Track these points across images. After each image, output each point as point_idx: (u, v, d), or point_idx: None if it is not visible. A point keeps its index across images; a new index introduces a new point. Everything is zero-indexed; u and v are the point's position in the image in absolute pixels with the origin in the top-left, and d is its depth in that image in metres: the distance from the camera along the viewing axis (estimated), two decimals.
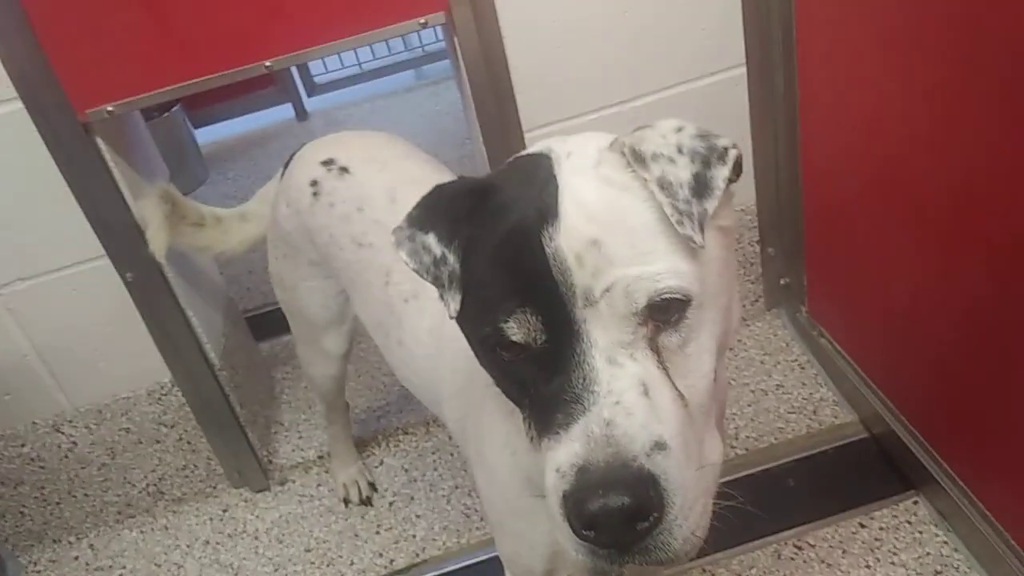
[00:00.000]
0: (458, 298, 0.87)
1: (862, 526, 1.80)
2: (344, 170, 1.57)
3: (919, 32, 1.47)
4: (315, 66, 4.63)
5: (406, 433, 2.34)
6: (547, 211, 0.81)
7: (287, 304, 1.83)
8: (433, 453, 2.26)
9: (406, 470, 2.23)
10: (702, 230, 0.80)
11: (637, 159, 0.83)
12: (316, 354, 1.88)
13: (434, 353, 1.34)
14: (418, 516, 2.10)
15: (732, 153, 0.84)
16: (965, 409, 1.65)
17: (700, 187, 0.81)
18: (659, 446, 0.75)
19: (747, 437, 2.07)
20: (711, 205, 0.81)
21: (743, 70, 1.99)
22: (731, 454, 2.03)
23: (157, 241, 1.84)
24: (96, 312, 1.97)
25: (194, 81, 1.74)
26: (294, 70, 4.44)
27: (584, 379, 0.78)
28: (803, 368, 2.23)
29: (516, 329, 0.80)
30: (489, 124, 1.91)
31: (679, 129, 0.84)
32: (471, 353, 1.19)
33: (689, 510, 0.76)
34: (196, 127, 4.17)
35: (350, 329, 1.81)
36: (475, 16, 1.77)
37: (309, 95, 4.60)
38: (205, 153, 4.16)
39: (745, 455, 2.02)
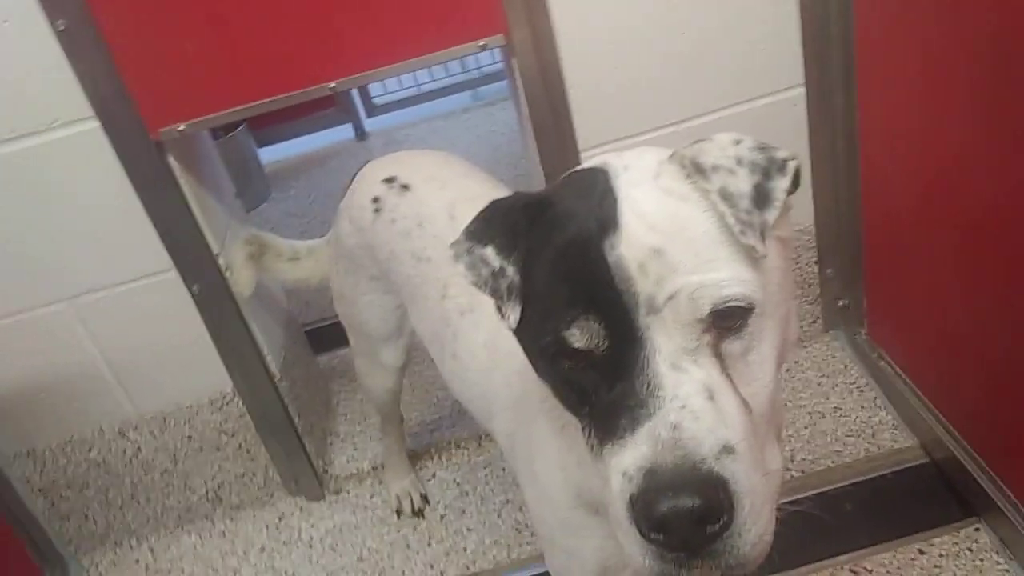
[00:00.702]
0: (518, 309, 0.88)
1: (921, 552, 1.76)
2: (405, 187, 1.61)
3: (976, 50, 1.45)
4: (375, 87, 4.72)
5: (459, 447, 2.37)
6: (607, 221, 0.82)
7: (347, 318, 1.87)
8: (485, 467, 2.28)
9: (458, 483, 2.25)
10: (763, 240, 0.80)
11: (697, 170, 0.84)
12: (373, 366, 1.91)
13: (488, 367, 1.36)
14: (469, 529, 2.11)
15: (791, 164, 0.84)
16: None
17: (760, 198, 0.82)
18: (727, 449, 0.75)
19: (803, 459, 2.04)
20: (771, 216, 0.81)
21: (802, 90, 1.98)
22: (787, 476, 2.00)
23: (241, 281, 1.98)
24: (163, 323, 2.04)
25: (261, 102, 1.81)
26: (355, 91, 4.53)
27: (648, 384, 0.78)
28: (861, 391, 2.19)
29: (579, 336, 0.81)
30: (546, 143, 1.94)
31: (737, 142, 0.85)
32: (525, 367, 1.20)
33: (757, 514, 0.76)
34: (260, 146, 4.29)
35: (407, 343, 1.85)
36: (533, 37, 1.80)
37: (368, 116, 4.70)
38: (268, 171, 4.27)
39: (802, 478, 2.00)
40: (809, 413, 2.17)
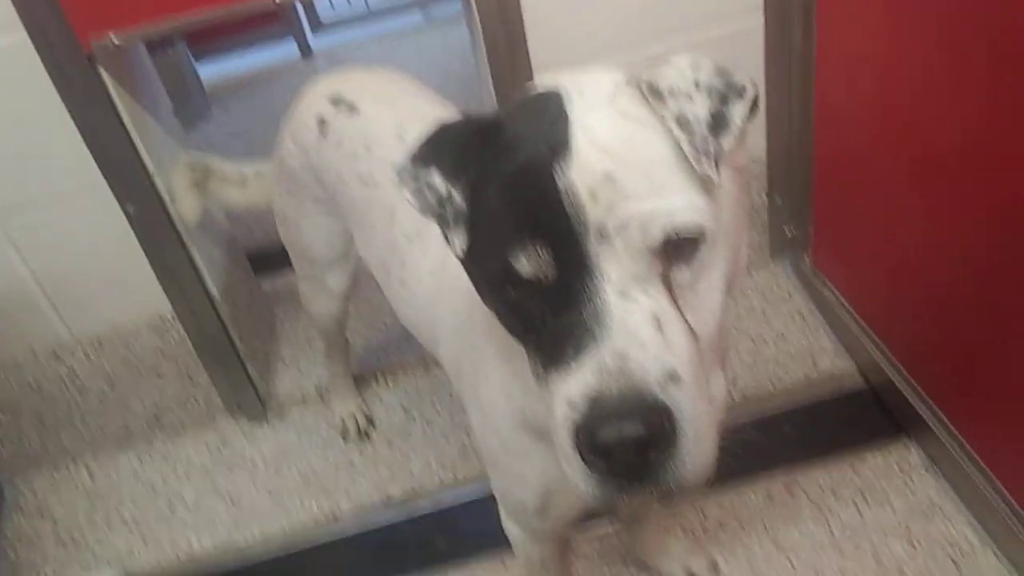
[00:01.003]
0: (464, 237, 0.86)
1: (853, 470, 1.82)
2: (352, 107, 1.55)
3: None
4: (321, 4, 4.55)
5: (405, 371, 2.36)
6: (559, 146, 0.79)
7: (290, 241, 1.82)
8: (431, 391, 2.28)
9: (404, 407, 2.25)
10: (719, 167, 0.79)
11: (654, 94, 0.81)
12: (318, 292, 1.88)
13: (434, 293, 1.34)
14: (415, 451, 2.12)
15: (750, 91, 0.82)
16: (961, 359, 1.66)
17: (718, 124, 0.80)
18: (672, 378, 0.75)
19: (745, 384, 2.08)
20: (728, 143, 0.80)
21: (760, 19, 1.95)
22: (729, 400, 2.04)
23: (185, 209, 1.92)
24: (97, 242, 1.96)
25: (201, 13, 1.71)
26: (299, 7, 4.36)
27: (596, 312, 0.76)
28: (804, 318, 2.23)
29: (526, 264, 0.79)
30: (499, 67, 1.89)
31: (696, 66, 0.82)
32: (471, 294, 1.18)
33: (700, 442, 0.76)
34: (198, 61, 4.12)
35: (353, 268, 1.81)
36: None
37: (314, 33, 4.54)
38: (208, 89, 4.11)
39: (743, 402, 2.04)
40: (752, 339, 2.20)
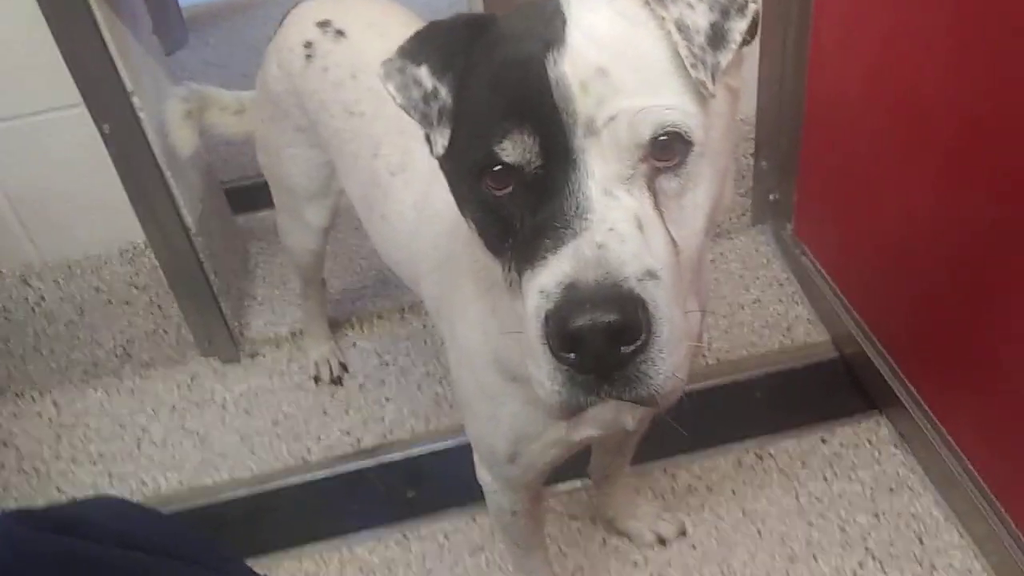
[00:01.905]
0: (447, 133, 0.84)
1: (823, 441, 1.85)
2: (340, 33, 1.50)
3: None
4: None
5: (380, 318, 2.33)
6: (553, 39, 0.78)
7: (270, 170, 1.77)
8: (406, 339, 2.26)
9: (379, 354, 2.23)
10: (714, 81, 0.78)
11: None
12: (296, 225, 1.84)
13: (416, 228, 1.32)
14: (388, 399, 2.10)
15: (751, 7, 0.81)
16: (937, 337, 1.68)
17: (716, 37, 0.79)
18: (650, 274, 0.73)
19: (719, 348, 2.09)
20: (725, 58, 0.79)
21: None
22: (702, 364, 2.05)
23: (180, 141, 1.87)
24: (70, 162, 1.89)
25: None
26: None
27: (577, 207, 0.75)
28: (782, 285, 2.24)
29: (510, 150, 0.77)
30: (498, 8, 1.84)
31: None
32: (452, 228, 1.17)
33: (674, 347, 0.74)
34: None
35: (334, 203, 1.77)
36: None
37: None
38: (186, 16, 3.98)
39: (716, 365, 2.05)
40: (729, 304, 2.21)
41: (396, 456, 1.97)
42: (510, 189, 0.79)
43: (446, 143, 0.84)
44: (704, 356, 2.07)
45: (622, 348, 0.72)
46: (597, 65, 0.76)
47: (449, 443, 1.95)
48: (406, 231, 1.35)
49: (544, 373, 0.76)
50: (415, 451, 1.97)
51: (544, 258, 0.75)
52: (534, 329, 0.75)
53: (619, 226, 0.74)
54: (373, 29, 1.49)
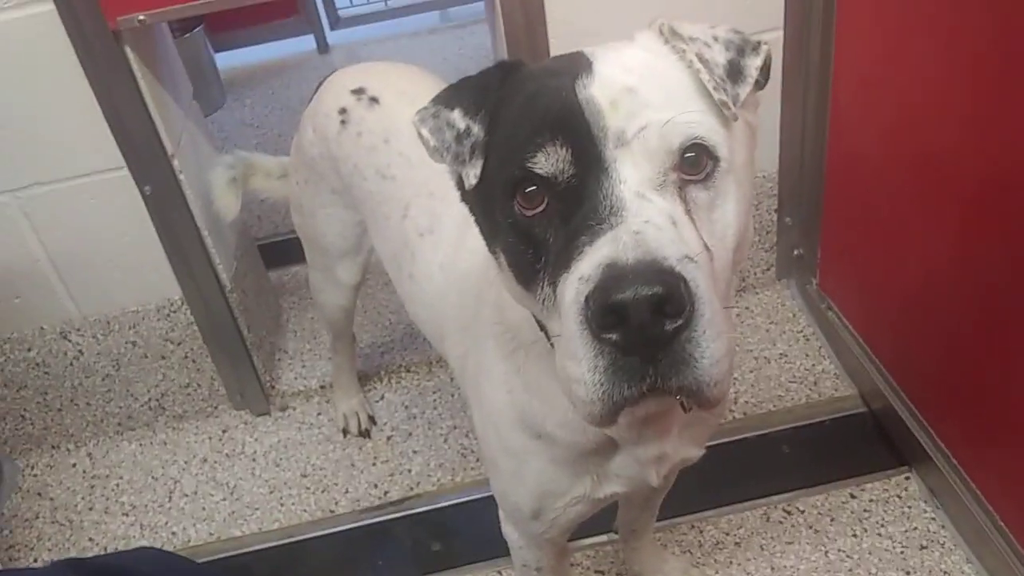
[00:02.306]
0: (479, 164, 0.87)
1: (852, 496, 1.83)
2: (374, 100, 1.56)
3: (961, 10, 1.45)
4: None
5: (408, 371, 2.36)
6: (581, 71, 0.82)
7: (304, 230, 1.83)
8: (434, 392, 2.28)
9: (406, 407, 2.26)
10: (735, 106, 0.82)
11: (675, 35, 0.86)
12: (328, 282, 1.88)
13: (443, 289, 1.35)
14: (415, 452, 2.12)
15: (764, 48, 0.87)
16: (966, 391, 1.67)
17: (734, 72, 0.84)
18: (689, 259, 0.73)
19: (746, 402, 2.09)
20: (743, 91, 0.84)
21: (780, 34, 1.97)
22: (729, 417, 2.05)
23: (224, 206, 1.94)
24: (112, 223, 1.97)
25: None
26: (319, 1, 4.38)
27: (611, 207, 0.76)
28: (808, 340, 2.24)
29: (543, 162, 0.79)
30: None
31: (714, 26, 0.88)
32: (478, 290, 1.19)
33: (717, 331, 0.73)
34: (216, 51, 4.12)
35: (364, 260, 1.82)
36: None
37: (332, 28, 4.54)
38: (224, 79, 4.12)
39: (743, 420, 2.05)
40: (755, 358, 2.21)
41: (423, 509, 1.98)
42: (542, 207, 0.81)
43: (478, 173, 0.87)
44: (731, 410, 2.08)
45: (666, 324, 0.70)
46: (625, 85, 0.80)
47: (475, 496, 1.96)
48: (433, 291, 1.38)
49: (584, 365, 0.74)
50: (441, 504, 1.98)
51: (581, 252, 0.75)
52: (574, 315, 0.74)
53: (655, 219, 0.75)
54: (405, 97, 1.55)
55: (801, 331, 2.27)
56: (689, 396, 0.74)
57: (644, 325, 0.69)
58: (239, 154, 1.96)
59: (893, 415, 1.89)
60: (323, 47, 4.42)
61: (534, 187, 0.81)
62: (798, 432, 2.01)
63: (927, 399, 1.82)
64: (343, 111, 1.57)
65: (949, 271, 1.64)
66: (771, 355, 2.21)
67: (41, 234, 1.96)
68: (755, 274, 2.39)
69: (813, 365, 2.17)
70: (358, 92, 1.57)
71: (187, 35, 3.65)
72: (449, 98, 0.89)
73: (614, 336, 0.71)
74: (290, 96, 3.91)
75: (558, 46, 1.88)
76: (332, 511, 2.02)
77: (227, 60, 4.32)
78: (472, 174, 0.87)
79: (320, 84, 1.71)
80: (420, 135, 0.89)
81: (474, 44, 4.13)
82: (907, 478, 1.84)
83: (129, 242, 2.00)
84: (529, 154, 0.80)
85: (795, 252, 2.32)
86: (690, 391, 0.73)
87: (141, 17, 1.71)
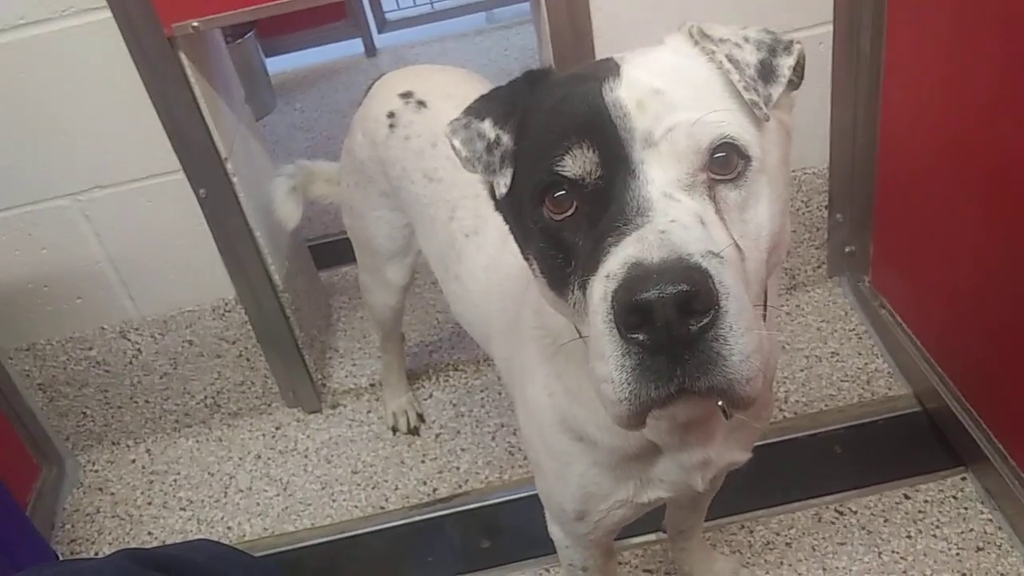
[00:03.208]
0: (509, 172, 0.87)
1: (906, 497, 1.80)
2: (422, 104, 1.58)
3: (1009, 4, 1.42)
4: (387, 2, 4.61)
5: (456, 369, 2.39)
6: (608, 75, 0.82)
7: (354, 232, 1.86)
8: (482, 391, 2.30)
9: (454, 405, 2.28)
10: (766, 107, 0.82)
11: (705, 37, 0.85)
12: (378, 283, 1.91)
13: (487, 290, 1.37)
14: (463, 449, 2.14)
15: (797, 47, 0.86)
16: (1023, 389, 1.63)
17: (766, 71, 0.83)
18: (714, 255, 0.72)
19: (797, 401, 2.07)
20: (776, 91, 0.83)
21: (829, 28, 1.94)
22: (779, 417, 2.03)
23: (285, 215, 1.99)
24: (168, 225, 2.02)
25: (278, 2, 1.75)
26: (367, 5, 4.43)
27: (638, 208, 0.76)
28: (860, 338, 2.20)
29: (571, 164, 0.79)
30: (565, 67, 1.90)
31: (744, 27, 0.88)
32: (520, 293, 1.20)
33: (745, 326, 0.71)
34: (267, 56, 4.20)
35: (413, 262, 1.84)
36: None
37: (379, 31, 4.59)
38: (275, 83, 4.19)
39: (794, 419, 2.02)
40: (806, 357, 2.18)
41: (471, 506, 2.00)
42: (571, 211, 0.81)
43: (508, 182, 0.88)
44: (781, 410, 2.05)
45: (692, 322, 0.69)
46: (652, 87, 0.80)
47: (523, 494, 1.97)
48: (478, 292, 1.40)
49: (612, 364, 0.73)
50: (490, 501, 2.00)
51: (608, 252, 0.75)
52: (600, 314, 0.73)
53: (681, 218, 0.74)
54: (452, 100, 1.56)
55: (853, 329, 2.24)
56: (721, 396, 0.73)
57: (670, 323, 0.69)
58: (300, 163, 2.00)
59: (948, 414, 1.85)
60: (371, 50, 4.47)
61: (563, 191, 0.81)
62: (851, 432, 1.98)
63: (983, 398, 1.78)
64: (391, 115, 1.59)
65: (1004, 267, 1.61)
66: (822, 354, 2.18)
67: (101, 236, 2.02)
68: (805, 272, 2.36)
69: (866, 364, 2.13)
70: (406, 96, 1.59)
71: (239, 41, 3.72)
72: (480, 109, 0.91)
73: (640, 335, 0.70)
74: (339, 99, 3.97)
75: (603, 45, 1.88)
76: (383, 507, 2.05)
77: (277, 65, 4.40)
78: (503, 183, 0.87)
79: (369, 88, 1.74)
80: (452, 146, 0.90)
81: (520, 45, 4.13)
82: (963, 479, 1.80)
83: (185, 243, 2.05)
84: (557, 157, 0.80)
85: (847, 249, 2.29)
86: (721, 391, 0.72)
87: (195, 23, 1.76)
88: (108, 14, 1.74)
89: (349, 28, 4.45)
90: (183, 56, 1.82)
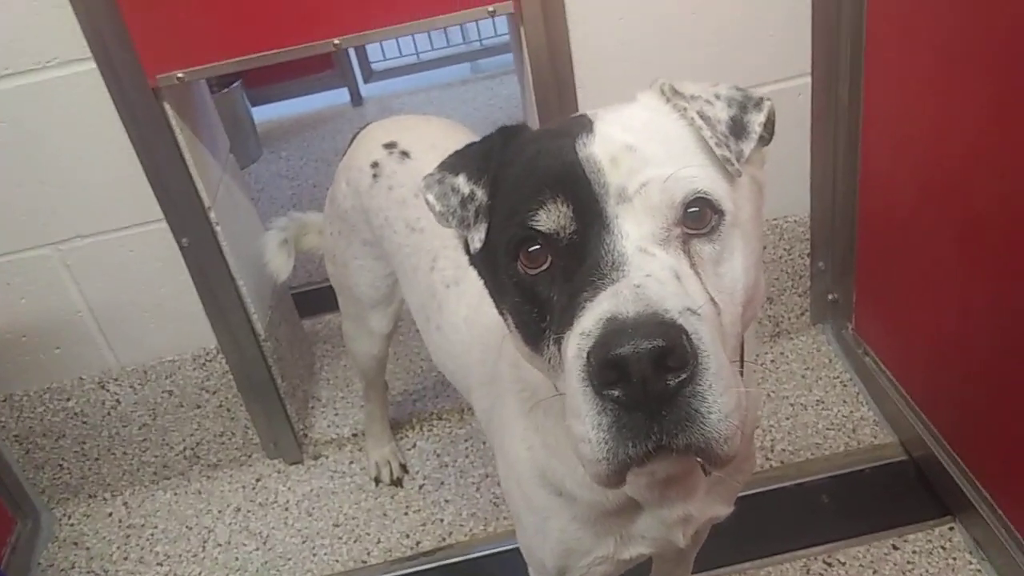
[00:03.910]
0: (483, 227, 0.87)
1: (895, 548, 1.78)
2: (405, 154, 1.58)
3: (991, 53, 1.45)
4: (373, 52, 4.67)
5: (440, 419, 2.36)
6: (582, 131, 0.83)
7: (337, 279, 1.85)
8: (466, 440, 2.27)
9: (438, 455, 2.25)
10: (738, 163, 0.82)
11: (676, 94, 0.86)
12: (361, 331, 1.90)
13: (467, 341, 1.36)
14: (447, 501, 2.11)
15: (767, 103, 0.87)
16: (1009, 438, 1.62)
17: (737, 128, 0.84)
18: (691, 311, 0.71)
19: (783, 450, 2.05)
20: (747, 147, 0.84)
21: (808, 80, 1.97)
22: (765, 466, 2.02)
23: (277, 267, 1.99)
24: (150, 274, 2.01)
25: (264, 54, 1.77)
26: (353, 55, 4.49)
27: (613, 263, 0.75)
28: (845, 385, 2.20)
29: (545, 219, 0.79)
30: (548, 117, 1.92)
31: (715, 85, 0.89)
32: (498, 345, 1.19)
33: (723, 385, 0.70)
34: (253, 105, 4.23)
35: (396, 310, 1.83)
36: (543, 7, 1.78)
37: (365, 81, 4.65)
38: (260, 131, 4.22)
39: (780, 468, 2.01)
40: (791, 405, 2.18)
41: (455, 559, 1.96)
42: (546, 266, 0.81)
43: (483, 236, 0.87)
44: (768, 458, 2.04)
45: (668, 378, 0.68)
46: (625, 143, 0.81)
47: (508, 547, 1.94)
48: (458, 343, 1.39)
49: (588, 423, 0.72)
50: (474, 554, 1.96)
51: (583, 308, 0.74)
52: (575, 372, 0.72)
53: (657, 273, 0.74)
54: (435, 150, 1.57)
55: (838, 377, 2.24)
56: (699, 454, 0.72)
57: (646, 379, 0.68)
58: (292, 215, 2.01)
59: (935, 463, 1.84)
60: (357, 99, 4.52)
61: (537, 246, 0.81)
62: (837, 481, 1.96)
63: (969, 447, 1.77)
64: (375, 165, 1.59)
65: (988, 315, 1.61)
66: (807, 401, 2.18)
67: (81, 285, 2.01)
68: (789, 319, 2.36)
69: (851, 412, 2.13)
70: (390, 146, 1.60)
71: (225, 90, 3.75)
72: (453, 164, 0.91)
73: (616, 392, 0.69)
74: (324, 148, 3.99)
75: (586, 96, 1.91)
76: (364, 562, 2.00)
77: (264, 114, 4.44)
78: (477, 237, 0.87)
79: (353, 138, 1.75)
80: (426, 201, 0.90)
81: (504, 94, 4.19)
82: (951, 528, 1.79)
83: (166, 293, 2.04)
84: (531, 212, 0.80)
85: (829, 296, 2.30)
86: (699, 449, 0.71)
87: (180, 75, 1.77)
88: (93, 65, 1.75)
89: (335, 78, 4.51)
90: (167, 106, 1.82)
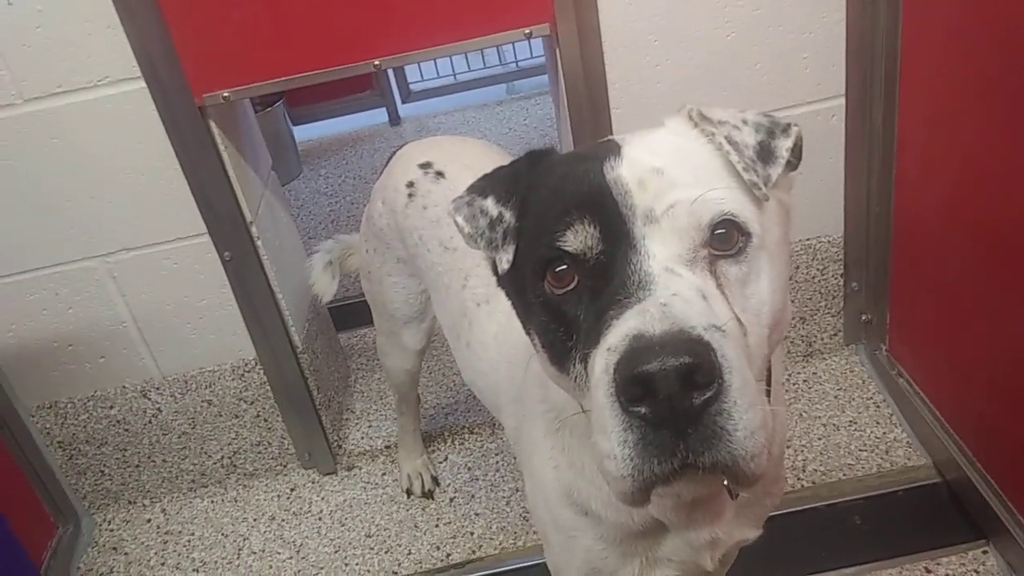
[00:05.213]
0: (511, 249, 0.89)
1: (927, 571, 1.76)
2: (440, 174, 1.62)
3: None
4: (411, 73, 4.74)
5: (472, 432, 2.39)
6: (610, 154, 0.85)
7: (372, 296, 1.89)
8: (497, 454, 2.30)
9: (469, 468, 2.27)
10: (766, 187, 0.83)
11: (704, 120, 0.88)
12: (394, 347, 1.94)
13: (497, 359, 1.38)
14: (477, 514, 2.13)
15: (794, 129, 0.88)
16: None
17: (764, 153, 0.86)
18: (717, 328, 0.72)
19: (815, 470, 2.04)
20: (775, 172, 0.85)
21: (842, 101, 1.98)
22: (797, 486, 2.01)
23: (322, 288, 2.05)
24: (192, 287, 2.07)
25: (307, 74, 1.82)
26: (392, 76, 4.56)
27: (640, 282, 0.76)
28: (878, 407, 2.19)
29: (572, 239, 0.81)
30: (583, 138, 1.95)
31: (743, 110, 0.90)
32: (525, 362, 1.20)
33: (749, 402, 0.71)
34: (295, 124, 4.32)
35: (429, 327, 1.86)
36: (579, 29, 1.81)
37: (403, 101, 4.72)
38: (301, 150, 4.31)
39: (812, 488, 2.00)
40: (824, 425, 2.17)
41: (485, 572, 1.98)
42: (573, 285, 0.82)
43: (511, 257, 0.89)
44: (799, 478, 2.03)
45: (695, 395, 0.69)
46: (653, 166, 0.83)
47: (536, 560, 1.94)
48: (488, 361, 1.41)
49: (614, 439, 0.73)
50: (503, 568, 1.98)
51: (609, 325, 0.75)
52: (602, 387, 0.73)
53: (683, 292, 0.75)
54: (470, 171, 1.59)
55: (871, 398, 2.22)
56: (725, 472, 0.72)
57: (672, 396, 0.68)
58: (339, 237, 2.07)
59: (968, 486, 1.83)
60: (395, 119, 4.59)
61: (564, 266, 0.82)
62: (870, 502, 1.95)
63: (1003, 470, 1.75)
64: (411, 184, 1.63)
65: (1021, 336, 1.60)
66: (840, 422, 2.17)
67: (126, 296, 2.07)
68: (822, 339, 2.35)
69: (884, 433, 2.11)
70: (425, 166, 1.64)
71: (268, 109, 3.84)
72: (482, 187, 0.93)
73: (643, 409, 0.70)
74: (363, 166, 4.06)
75: (620, 116, 1.93)
76: (395, 572, 2.03)
77: (304, 133, 4.52)
78: (505, 259, 0.89)
79: (390, 158, 1.79)
80: (456, 223, 0.92)
81: (539, 115, 4.23)
82: (984, 552, 1.77)
83: (208, 305, 2.09)
84: (559, 233, 0.81)
85: (863, 317, 2.29)
86: (725, 467, 0.71)
87: (226, 94, 1.83)
88: (142, 84, 1.81)
89: (374, 98, 4.58)
90: (213, 124, 1.89)
